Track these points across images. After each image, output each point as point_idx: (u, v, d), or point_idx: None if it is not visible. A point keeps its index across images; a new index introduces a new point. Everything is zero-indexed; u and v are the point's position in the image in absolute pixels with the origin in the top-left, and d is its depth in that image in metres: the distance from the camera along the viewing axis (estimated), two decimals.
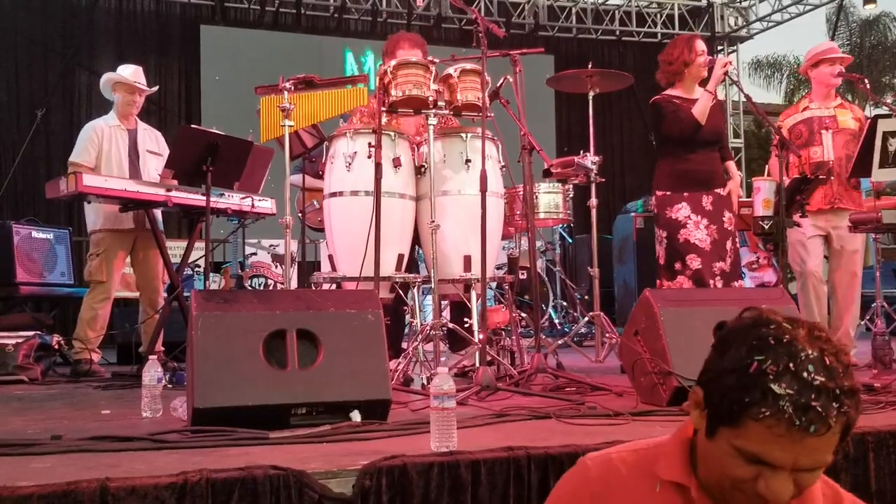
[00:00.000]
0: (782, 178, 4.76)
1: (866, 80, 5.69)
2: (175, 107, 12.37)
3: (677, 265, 5.24)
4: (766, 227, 4.73)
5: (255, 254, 9.93)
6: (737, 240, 5.35)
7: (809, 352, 1.40)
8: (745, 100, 5.56)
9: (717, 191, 5.30)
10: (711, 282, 5.13)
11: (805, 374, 1.38)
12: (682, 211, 5.25)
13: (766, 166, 5.59)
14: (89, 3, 12.01)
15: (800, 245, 5.60)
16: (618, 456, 1.66)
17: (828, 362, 1.40)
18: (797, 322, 1.46)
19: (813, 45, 5.99)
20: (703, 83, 5.33)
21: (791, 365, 1.39)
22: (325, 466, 2.32)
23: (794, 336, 1.43)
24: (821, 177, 5.08)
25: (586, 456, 1.71)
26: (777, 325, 1.45)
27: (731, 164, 5.63)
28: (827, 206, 5.65)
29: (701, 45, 5.42)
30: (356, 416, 3.04)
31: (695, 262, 5.18)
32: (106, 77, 6.13)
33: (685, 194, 5.26)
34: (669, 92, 5.44)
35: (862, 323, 7.71)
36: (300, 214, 6.16)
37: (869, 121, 5.42)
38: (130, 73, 6.13)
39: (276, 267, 9.60)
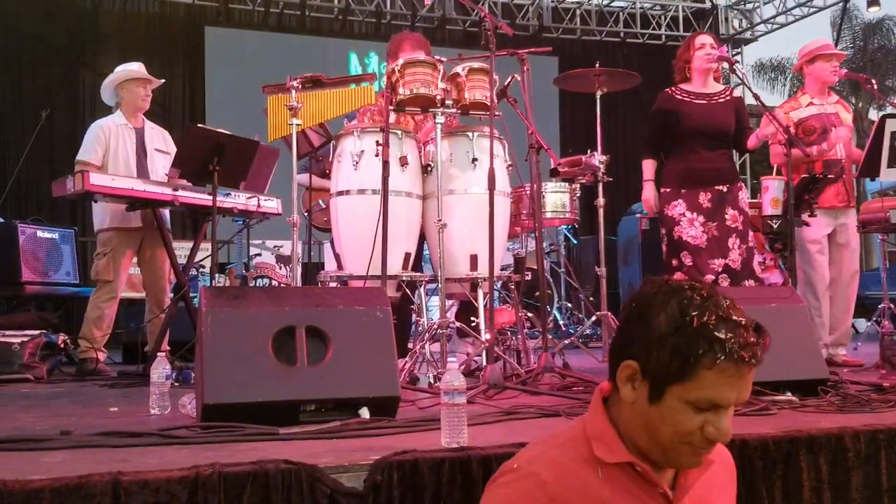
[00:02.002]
0: (790, 177, 4.75)
1: (874, 81, 5.67)
2: (179, 108, 12.39)
3: (674, 261, 5.30)
4: (775, 226, 4.72)
5: (259, 255, 9.91)
6: (749, 238, 5.31)
7: (721, 300, 1.61)
8: (751, 101, 5.50)
9: (720, 188, 5.27)
10: (710, 278, 5.12)
11: (734, 318, 1.58)
12: (677, 208, 5.27)
13: (774, 167, 5.56)
14: (94, 4, 12.03)
15: (813, 246, 5.54)
16: (555, 453, 1.71)
17: (736, 304, 1.62)
18: (689, 282, 1.67)
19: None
20: (725, 81, 5.33)
21: (720, 312, 1.58)
22: (336, 461, 2.32)
23: (707, 290, 1.63)
24: (830, 176, 5.06)
25: (518, 462, 1.72)
26: (690, 287, 1.64)
27: (753, 137, 5.49)
28: (840, 205, 5.63)
29: (701, 40, 5.43)
30: (365, 412, 3.03)
31: (687, 259, 5.22)
32: (112, 76, 6.10)
33: (682, 191, 5.28)
34: (682, 85, 5.47)
35: (869, 324, 7.71)
36: (306, 213, 6.15)
37: (877, 122, 5.41)
38: (136, 67, 6.13)
39: (281, 268, 9.59)
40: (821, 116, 5.73)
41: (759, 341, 1.58)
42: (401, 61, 4.70)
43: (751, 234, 5.35)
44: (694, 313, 1.58)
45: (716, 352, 1.55)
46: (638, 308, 1.66)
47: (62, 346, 5.85)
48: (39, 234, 7.17)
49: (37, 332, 5.61)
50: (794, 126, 5.60)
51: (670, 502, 1.71)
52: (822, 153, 5.48)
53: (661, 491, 1.70)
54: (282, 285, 8.77)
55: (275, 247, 10.00)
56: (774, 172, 5.34)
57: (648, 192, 5.40)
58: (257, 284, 8.79)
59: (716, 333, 1.55)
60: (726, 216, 5.23)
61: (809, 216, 5.00)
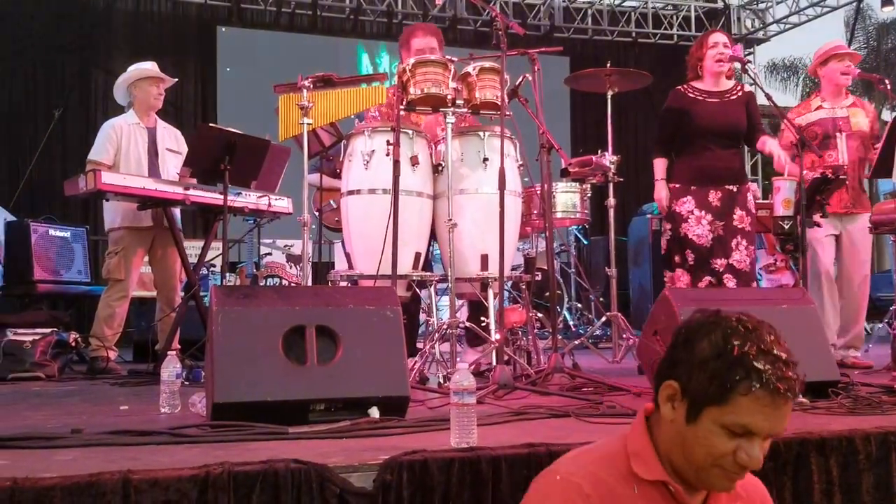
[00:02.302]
0: (802, 178, 4.73)
1: (887, 81, 5.63)
2: (191, 108, 12.41)
3: (676, 258, 5.31)
4: (787, 227, 4.71)
5: (269, 254, 9.93)
6: (754, 240, 5.30)
7: (766, 334, 1.70)
8: (762, 101, 5.49)
9: (730, 187, 5.26)
10: (708, 280, 5.12)
11: (775, 352, 1.67)
12: (685, 205, 5.27)
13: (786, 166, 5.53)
14: (107, 3, 12.07)
15: (817, 244, 5.55)
16: (594, 467, 1.79)
17: (781, 341, 1.70)
18: (742, 313, 1.75)
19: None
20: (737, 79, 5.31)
21: (762, 345, 1.67)
22: (345, 461, 2.32)
23: (753, 324, 1.72)
24: (842, 176, 5.04)
25: (560, 473, 1.80)
26: (736, 318, 1.73)
27: (766, 140, 5.44)
28: (842, 210, 5.62)
29: (714, 38, 5.41)
30: (374, 412, 3.04)
31: (690, 257, 5.23)
32: (125, 75, 6.12)
33: (692, 188, 5.27)
34: (694, 83, 5.46)
35: (881, 325, 7.68)
36: (317, 213, 6.15)
37: (890, 122, 5.38)
38: (149, 66, 6.15)
39: (291, 267, 9.61)
40: (825, 122, 5.71)
41: (797, 377, 1.67)
42: (412, 61, 4.70)
43: (755, 235, 5.34)
44: (736, 342, 1.68)
45: (752, 380, 1.64)
46: (685, 334, 1.78)
47: (73, 344, 5.88)
48: (51, 232, 7.20)
49: (48, 330, 5.63)
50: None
51: None
52: (816, 164, 5.46)
53: None
54: (292, 284, 8.79)
55: (285, 246, 10.02)
56: (786, 172, 5.31)
57: (661, 190, 5.38)
58: (268, 283, 8.81)
59: (755, 363, 1.65)
60: (734, 216, 5.21)
61: (821, 217, 4.98)
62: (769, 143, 5.38)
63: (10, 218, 7.99)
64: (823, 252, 5.61)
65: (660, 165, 5.44)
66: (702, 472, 1.73)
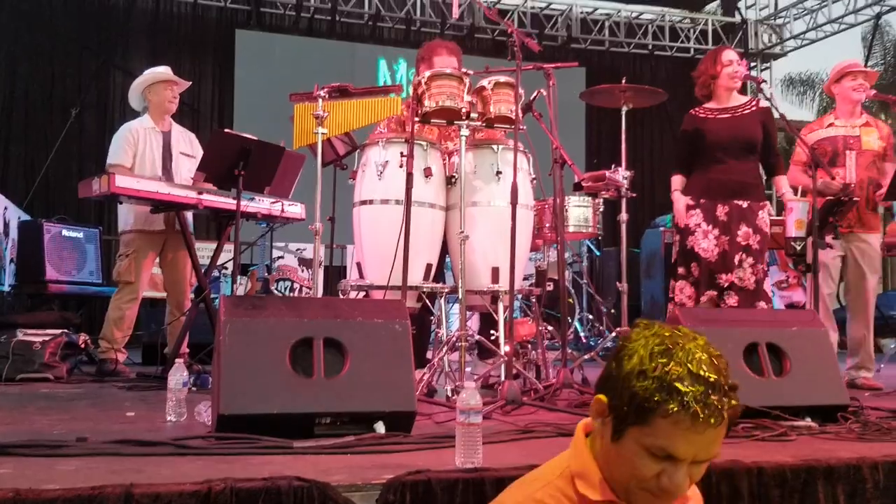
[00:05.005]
0: (815, 199, 4.71)
1: None
2: (208, 110, 12.47)
3: (681, 269, 5.30)
4: (798, 248, 4.69)
5: (281, 257, 9.97)
6: (764, 259, 5.26)
7: (700, 354, 1.61)
8: (778, 116, 5.45)
9: (739, 202, 5.21)
10: (710, 294, 5.09)
11: (701, 373, 1.58)
12: (693, 218, 5.25)
13: (799, 187, 5.50)
14: (127, 3, 12.13)
15: (824, 266, 5.50)
16: (541, 494, 1.73)
17: (715, 362, 1.61)
18: (681, 329, 1.68)
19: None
20: (743, 91, 5.29)
21: (689, 366, 1.59)
22: (349, 479, 2.31)
23: (685, 341, 1.63)
24: (855, 199, 5.01)
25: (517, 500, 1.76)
26: (670, 333, 1.65)
27: (781, 182, 5.46)
28: (846, 230, 5.57)
29: (728, 56, 5.38)
30: (380, 427, 3.03)
31: (696, 270, 5.22)
32: (139, 80, 6.15)
33: (701, 201, 5.25)
34: (706, 105, 5.44)
35: (893, 346, 7.64)
36: None
37: None
38: (164, 70, 6.18)
39: (303, 271, 9.63)
40: (835, 140, 5.67)
41: (725, 403, 1.58)
42: (427, 74, 4.69)
43: (766, 255, 5.30)
44: (661, 360, 1.60)
45: (671, 402, 1.56)
46: (619, 346, 1.70)
47: (83, 345, 5.90)
48: (64, 232, 7.24)
49: (58, 331, 5.65)
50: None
51: None
52: (838, 188, 5.43)
53: None
54: (303, 288, 8.80)
55: (297, 250, 10.05)
56: (799, 193, 5.28)
57: (677, 202, 5.36)
58: (279, 287, 8.83)
59: (676, 384, 1.57)
60: (738, 233, 5.17)
61: (833, 238, 4.96)
62: (781, 183, 5.41)
63: (24, 217, 8.03)
64: (830, 276, 5.56)
65: (677, 181, 5.45)
66: (630, 494, 1.67)
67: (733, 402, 1.60)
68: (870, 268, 5.64)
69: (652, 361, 1.61)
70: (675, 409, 1.55)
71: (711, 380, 1.58)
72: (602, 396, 1.68)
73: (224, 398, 2.90)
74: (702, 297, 5.14)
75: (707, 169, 5.30)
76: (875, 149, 5.70)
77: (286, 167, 5.79)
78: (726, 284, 5.11)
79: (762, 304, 5.13)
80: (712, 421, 1.56)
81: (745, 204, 5.21)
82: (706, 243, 5.18)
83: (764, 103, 5.36)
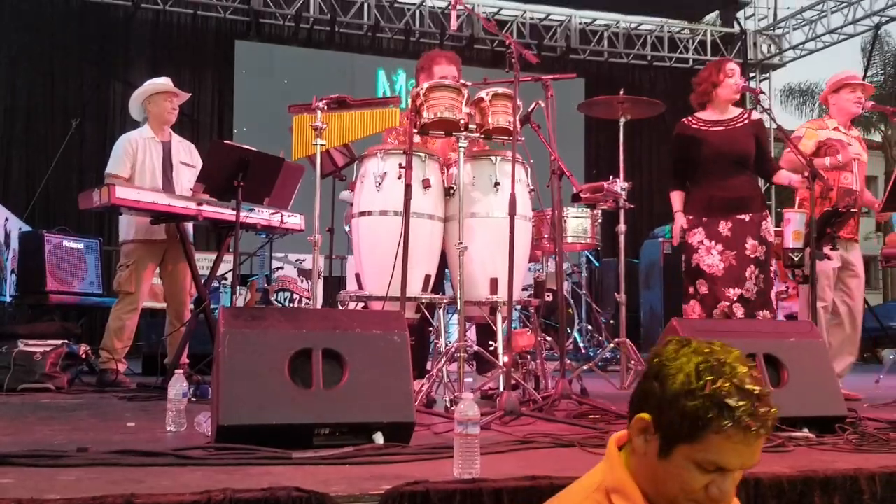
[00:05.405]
0: (813, 210, 4.72)
1: None
2: (208, 120, 12.51)
3: (690, 289, 5.31)
4: (797, 259, 4.70)
5: (281, 268, 9.97)
6: (769, 269, 5.28)
7: (741, 367, 1.66)
8: (775, 127, 5.48)
9: (741, 216, 5.24)
10: (722, 307, 5.10)
11: (747, 387, 1.63)
12: (696, 236, 5.28)
13: (797, 199, 5.50)
14: (127, 14, 12.17)
15: (823, 276, 5.50)
16: None
17: (754, 374, 1.66)
18: (715, 343, 1.72)
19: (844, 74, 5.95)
20: (740, 104, 5.30)
21: (735, 381, 1.63)
22: (347, 490, 2.32)
23: (725, 356, 1.67)
24: (853, 210, 5.03)
25: None
26: (709, 349, 1.69)
27: (782, 175, 5.47)
28: (848, 236, 5.58)
29: (732, 67, 5.41)
30: (379, 438, 3.04)
31: (703, 288, 5.23)
32: (139, 91, 6.18)
33: (703, 219, 5.28)
34: (699, 114, 5.45)
35: (894, 356, 7.65)
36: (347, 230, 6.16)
37: None
38: (163, 81, 6.21)
39: (302, 282, 9.64)
40: (843, 144, 5.69)
41: (771, 412, 1.64)
42: (426, 85, 4.71)
43: (773, 264, 5.31)
44: (708, 378, 1.64)
45: (724, 419, 1.60)
46: (658, 365, 1.72)
47: (84, 356, 5.91)
48: (65, 243, 7.25)
49: (59, 342, 5.66)
50: (818, 143, 5.60)
51: None
52: (836, 165, 5.44)
53: None
54: (303, 299, 8.81)
55: (297, 260, 10.06)
56: (797, 204, 5.30)
57: (678, 221, 5.40)
58: (279, 297, 8.84)
59: (727, 401, 1.61)
60: (746, 246, 5.19)
61: (831, 249, 4.97)
62: (783, 177, 5.39)
63: (25, 228, 8.05)
64: (829, 286, 5.56)
65: (676, 199, 5.47)
66: None
67: (773, 409, 1.65)
68: (862, 274, 5.67)
69: (700, 380, 1.64)
70: (729, 424, 1.60)
71: (756, 392, 1.63)
72: (645, 415, 1.71)
73: (223, 409, 2.91)
74: (714, 311, 5.15)
75: (705, 184, 5.32)
76: (864, 161, 5.74)
77: (285, 178, 5.80)
78: (735, 297, 5.13)
79: (765, 314, 5.15)
80: (762, 432, 1.62)
81: (747, 217, 5.24)
82: (711, 259, 5.20)
83: (756, 115, 5.39)
